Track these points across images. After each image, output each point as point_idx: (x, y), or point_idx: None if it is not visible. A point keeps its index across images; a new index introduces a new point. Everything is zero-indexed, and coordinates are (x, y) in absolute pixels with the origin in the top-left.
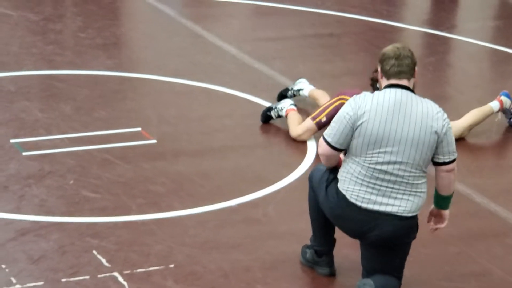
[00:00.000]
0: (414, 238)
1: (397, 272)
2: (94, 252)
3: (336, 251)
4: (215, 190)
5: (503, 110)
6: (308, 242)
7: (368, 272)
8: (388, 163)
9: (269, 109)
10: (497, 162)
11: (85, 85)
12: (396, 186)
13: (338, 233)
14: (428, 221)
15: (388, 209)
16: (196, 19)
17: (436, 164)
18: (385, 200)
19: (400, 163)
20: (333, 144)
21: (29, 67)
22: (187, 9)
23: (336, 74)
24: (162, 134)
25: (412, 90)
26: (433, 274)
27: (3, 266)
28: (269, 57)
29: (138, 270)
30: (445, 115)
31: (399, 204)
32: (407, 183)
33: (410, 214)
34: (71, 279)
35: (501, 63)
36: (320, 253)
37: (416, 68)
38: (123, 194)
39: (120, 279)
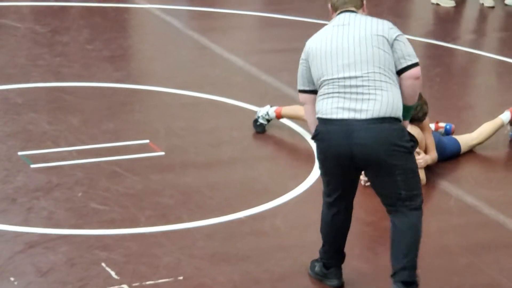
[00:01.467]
0: (405, 147)
1: (407, 190)
2: (103, 264)
3: (345, 263)
4: (223, 202)
5: None
6: (317, 255)
7: (384, 203)
8: (340, 76)
9: (255, 121)
10: (505, 174)
11: (93, 97)
12: (358, 94)
13: (347, 247)
14: None
15: (356, 115)
16: (203, 31)
17: (400, 73)
18: (351, 109)
19: (352, 71)
20: (301, 88)
21: (36, 79)
22: (194, 22)
23: None
24: (170, 146)
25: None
26: (443, 285)
27: (12, 279)
28: (276, 69)
29: (147, 283)
30: (394, 26)
31: (366, 108)
32: (366, 86)
33: (380, 115)
34: None
35: (508, 73)
36: (329, 265)
37: (365, 2)
38: (132, 206)
39: None
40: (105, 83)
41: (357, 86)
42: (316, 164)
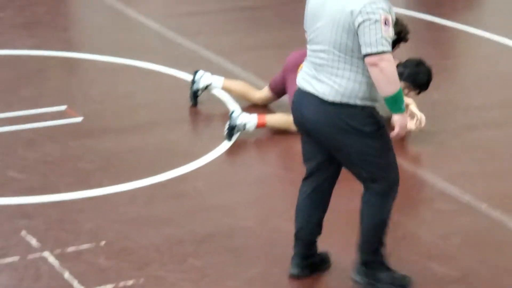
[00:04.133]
0: (359, 130)
1: (367, 171)
2: (23, 232)
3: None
4: (143, 165)
5: None
6: (239, 215)
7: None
8: (313, 43)
9: (232, 128)
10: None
11: (7, 65)
12: (320, 68)
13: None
14: None
15: (312, 89)
16: None
17: (362, 56)
18: (311, 81)
19: (320, 43)
20: (304, 28)
21: None
22: None
23: (259, 46)
24: (88, 112)
25: None
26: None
27: None
28: (192, 31)
29: (69, 249)
30: (374, 6)
31: (320, 87)
32: (328, 65)
33: (327, 99)
34: (0, 261)
35: (419, 29)
36: (293, 250)
37: None
38: (51, 173)
39: (51, 259)
40: (20, 50)
41: (319, 64)
42: None
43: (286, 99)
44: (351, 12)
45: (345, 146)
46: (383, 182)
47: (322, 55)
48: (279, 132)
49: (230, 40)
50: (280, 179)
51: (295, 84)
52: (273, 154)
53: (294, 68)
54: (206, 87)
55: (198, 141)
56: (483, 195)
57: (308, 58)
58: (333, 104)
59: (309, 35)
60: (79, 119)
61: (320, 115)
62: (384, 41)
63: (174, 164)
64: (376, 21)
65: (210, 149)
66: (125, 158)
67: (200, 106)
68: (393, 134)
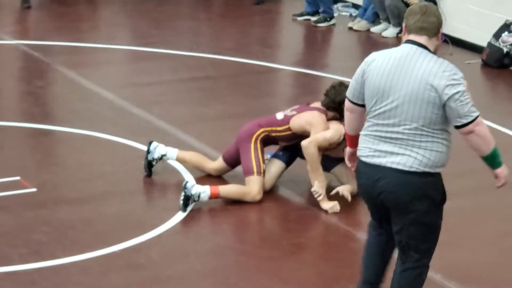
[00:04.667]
0: (432, 203)
1: (417, 239)
2: None
3: None
4: (97, 236)
5: None
6: (193, 285)
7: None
8: (382, 118)
9: (187, 198)
10: None
11: None
12: (394, 141)
13: (222, 275)
14: None
15: (386, 163)
16: (72, 66)
17: (454, 127)
18: (383, 154)
19: (396, 117)
20: (350, 98)
21: None
22: (63, 57)
23: (213, 117)
24: (42, 182)
25: (427, 49)
26: None
27: None
28: (147, 102)
29: None
30: (456, 77)
31: (400, 159)
32: (407, 138)
33: (411, 169)
34: None
35: None
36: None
37: (441, 30)
38: (4, 244)
39: None
40: None
41: (395, 138)
42: None
43: (240, 169)
44: (436, 87)
45: (415, 213)
46: (426, 254)
47: (397, 129)
48: (233, 202)
49: (184, 111)
50: (234, 250)
51: (249, 153)
52: (226, 225)
53: (248, 138)
54: (161, 158)
55: (153, 212)
56: (438, 266)
57: (370, 133)
58: (416, 173)
59: (374, 110)
60: (33, 189)
61: (401, 186)
62: (473, 108)
63: (128, 235)
64: (463, 92)
65: (164, 219)
66: (79, 228)
67: (154, 177)
68: (498, 184)
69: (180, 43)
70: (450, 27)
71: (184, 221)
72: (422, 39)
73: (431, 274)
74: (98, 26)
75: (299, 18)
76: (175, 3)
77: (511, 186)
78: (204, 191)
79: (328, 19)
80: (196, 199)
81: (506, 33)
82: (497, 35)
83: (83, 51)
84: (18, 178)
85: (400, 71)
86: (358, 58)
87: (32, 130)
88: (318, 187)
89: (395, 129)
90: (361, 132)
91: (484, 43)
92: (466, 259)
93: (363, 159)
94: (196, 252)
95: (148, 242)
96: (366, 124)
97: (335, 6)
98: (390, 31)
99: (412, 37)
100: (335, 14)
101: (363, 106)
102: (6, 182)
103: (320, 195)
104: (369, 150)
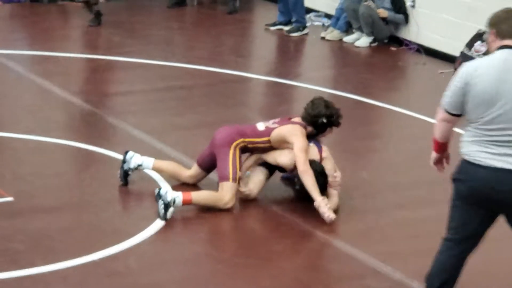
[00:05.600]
0: None
1: None
2: None
3: None
4: (75, 245)
5: None
6: None
7: None
8: (492, 123)
9: (166, 205)
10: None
11: None
12: (509, 144)
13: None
14: None
15: (506, 165)
16: (46, 75)
17: None
18: (505, 158)
19: (506, 122)
20: (449, 110)
21: None
22: (36, 66)
23: (188, 126)
24: (18, 192)
25: None
26: None
27: None
28: (122, 111)
29: None
30: None
31: None
32: None
33: None
34: None
35: (347, 108)
36: None
37: None
38: None
39: None
40: None
41: (509, 137)
42: None
43: (215, 177)
44: None
45: None
46: None
47: (509, 132)
48: (208, 210)
49: (159, 120)
50: (211, 258)
51: (227, 159)
52: (203, 234)
53: (227, 144)
54: (137, 167)
55: (130, 220)
56: (414, 273)
57: (484, 138)
58: None
59: (481, 118)
60: (9, 198)
61: None
62: None
63: (105, 243)
64: None
65: (141, 228)
66: (56, 237)
67: (130, 186)
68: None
69: (153, 52)
70: (423, 37)
71: (161, 229)
72: None
73: (407, 281)
74: (70, 35)
75: (272, 28)
76: (148, 13)
77: None
78: (177, 196)
79: (300, 28)
80: (172, 204)
81: (479, 42)
82: (470, 45)
83: (56, 61)
84: None
85: (505, 77)
86: (331, 67)
87: (6, 139)
88: (324, 200)
89: (508, 132)
90: (466, 139)
91: (457, 53)
92: None
93: (478, 163)
94: (174, 260)
95: (126, 251)
96: (470, 132)
97: (307, 15)
98: (363, 41)
99: (507, 42)
100: (308, 24)
101: (460, 115)
102: None
103: (326, 204)
104: (482, 154)
